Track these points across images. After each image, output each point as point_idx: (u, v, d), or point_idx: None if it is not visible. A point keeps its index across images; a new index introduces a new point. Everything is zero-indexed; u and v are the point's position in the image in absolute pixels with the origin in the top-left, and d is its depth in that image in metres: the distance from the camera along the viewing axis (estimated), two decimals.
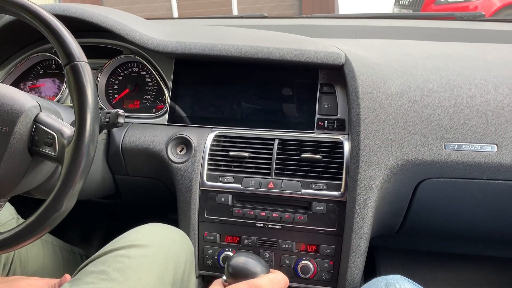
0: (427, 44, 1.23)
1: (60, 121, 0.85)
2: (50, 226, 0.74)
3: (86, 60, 0.78)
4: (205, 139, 1.05)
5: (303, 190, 0.97)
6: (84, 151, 0.74)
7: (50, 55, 1.24)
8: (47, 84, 1.28)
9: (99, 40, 1.20)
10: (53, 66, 1.26)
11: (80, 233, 1.65)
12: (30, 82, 1.28)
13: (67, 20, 1.00)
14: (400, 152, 0.93)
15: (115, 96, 1.22)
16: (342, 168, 0.97)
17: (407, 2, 5.99)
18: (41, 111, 0.84)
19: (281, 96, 1.08)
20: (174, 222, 1.04)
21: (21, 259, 1.07)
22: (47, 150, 0.80)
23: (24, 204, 1.12)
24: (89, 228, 1.66)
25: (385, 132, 0.94)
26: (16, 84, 1.25)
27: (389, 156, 0.93)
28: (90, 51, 1.20)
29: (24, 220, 0.75)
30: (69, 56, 0.76)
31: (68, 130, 0.81)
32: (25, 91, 1.26)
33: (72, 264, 1.25)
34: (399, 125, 0.94)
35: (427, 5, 5.63)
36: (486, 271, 1.40)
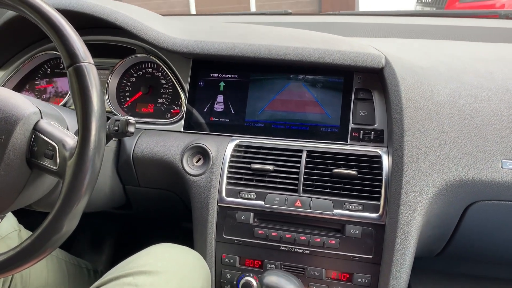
0: (473, 45, 1.10)
1: (62, 130, 0.76)
2: (49, 249, 0.67)
3: (92, 61, 0.69)
4: (224, 149, 0.94)
5: (335, 211, 0.86)
6: (88, 165, 0.66)
7: (58, 53, 1.14)
8: (55, 85, 1.19)
9: (110, 37, 1.10)
10: (61, 65, 1.17)
11: (89, 241, 1.56)
12: (37, 82, 1.19)
13: (73, 16, 0.90)
14: (449, 170, 0.81)
15: (127, 99, 1.12)
16: (380, 187, 0.85)
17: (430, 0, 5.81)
18: (41, 117, 0.76)
19: (311, 103, 0.97)
20: (189, 231, 0.96)
21: (22, 274, 1.00)
22: (47, 163, 0.73)
23: (28, 213, 1.03)
24: (99, 236, 1.58)
25: (432, 146, 0.82)
26: (21, 85, 1.17)
27: (436, 175, 0.81)
28: (100, 50, 1.12)
29: (27, 231, 0.67)
30: (72, 56, 0.68)
31: (71, 141, 0.73)
32: (31, 93, 1.18)
33: (79, 279, 1.16)
34: (449, 139, 0.82)
35: (451, 3, 5.42)
36: None
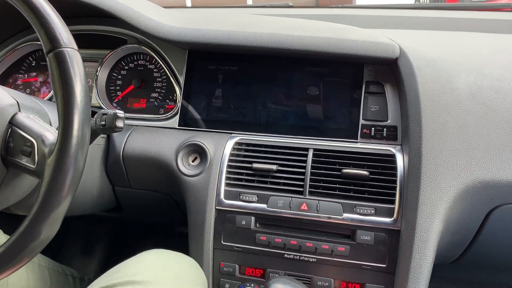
0: (491, 36, 1.03)
1: (42, 124, 0.69)
2: (26, 257, 0.59)
3: (75, 47, 0.62)
4: (223, 147, 0.87)
5: (345, 215, 0.78)
6: (69, 163, 0.59)
7: None
8: (40, 78, 1.10)
9: (99, 27, 1.02)
10: None
11: (79, 246, 1.48)
12: (20, 76, 1.11)
13: (58, 2, 0.82)
14: (472, 171, 0.73)
15: (118, 93, 1.04)
16: (395, 188, 0.78)
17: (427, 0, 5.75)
18: (19, 110, 0.70)
19: (317, 97, 0.89)
20: (185, 235, 0.88)
21: None
22: (24, 161, 0.66)
23: (8, 217, 0.95)
24: (89, 240, 1.49)
25: (453, 144, 0.74)
26: (3, 78, 1.09)
27: (458, 176, 0.73)
28: (88, 41, 1.04)
29: (7, 236, 0.60)
30: (52, 40, 0.60)
31: (52, 136, 0.66)
32: (14, 86, 1.10)
33: None
34: (471, 135, 0.74)
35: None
36: None
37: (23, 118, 0.68)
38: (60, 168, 0.57)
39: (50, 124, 0.79)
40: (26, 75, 1.10)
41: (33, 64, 1.10)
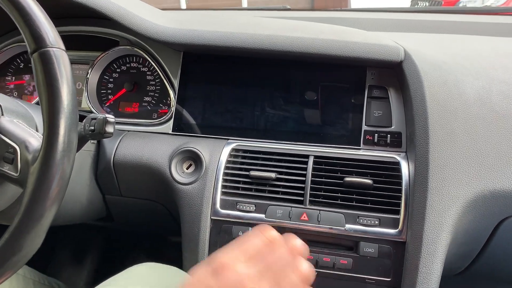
0: (495, 39, 1.00)
1: (27, 129, 0.65)
2: (8, 272, 0.56)
3: (63, 47, 0.58)
4: (219, 153, 0.83)
5: (348, 226, 0.74)
6: (54, 170, 0.55)
7: None
8: (28, 81, 1.06)
9: (90, 28, 0.98)
10: None
11: (69, 256, 1.42)
12: (8, 78, 1.06)
13: (48, 2, 0.78)
14: (481, 180, 0.70)
15: (109, 97, 1.00)
16: (400, 198, 0.74)
17: (424, 5, 5.75)
18: (2, 114, 0.66)
19: (317, 101, 0.85)
20: (178, 247, 0.84)
21: None
22: (6, 169, 0.64)
23: None
24: (80, 250, 1.44)
25: (461, 151, 0.70)
26: None
27: (467, 185, 0.69)
28: (79, 42, 0.99)
29: None
30: (37, 40, 0.56)
31: (36, 142, 0.62)
32: (1, 89, 1.05)
33: None
34: (480, 142, 0.71)
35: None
36: None
37: (6, 122, 0.64)
38: (44, 176, 0.53)
39: (36, 130, 0.75)
40: (13, 77, 1.06)
41: (21, 66, 1.06)
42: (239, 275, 0.42)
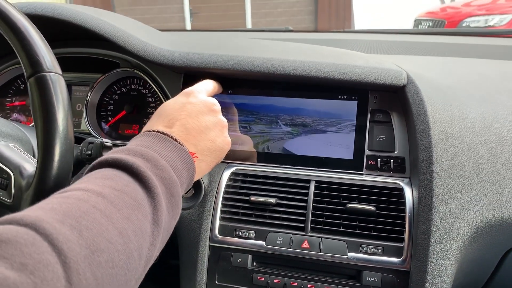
0: (496, 62, 0.99)
1: (22, 154, 0.64)
2: None
3: (60, 72, 0.57)
4: (218, 177, 0.81)
5: (350, 254, 0.72)
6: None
7: None
8: (28, 102, 1.05)
9: (90, 50, 0.97)
10: None
11: None
12: (8, 100, 1.05)
13: (46, 23, 0.78)
14: (487, 208, 0.68)
15: (109, 119, 0.99)
16: (403, 225, 0.72)
17: (427, 25, 5.79)
18: None
19: (319, 126, 0.84)
20: (175, 270, 0.82)
21: None
22: None
23: None
24: None
25: (467, 178, 0.68)
26: None
27: (473, 213, 0.67)
28: (79, 64, 0.99)
29: None
30: (34, 64, 0.56)
31: (31, 167, 0.61)
32: (0, 111, 1.05)
33: None
34: (486, 169, 0.69)
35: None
36: None
37: (1, 147, 0.63)
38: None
39: (33, 153, 0.74)
40: (13, 99, 1.05)
41: (21, 88, 1.06)
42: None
